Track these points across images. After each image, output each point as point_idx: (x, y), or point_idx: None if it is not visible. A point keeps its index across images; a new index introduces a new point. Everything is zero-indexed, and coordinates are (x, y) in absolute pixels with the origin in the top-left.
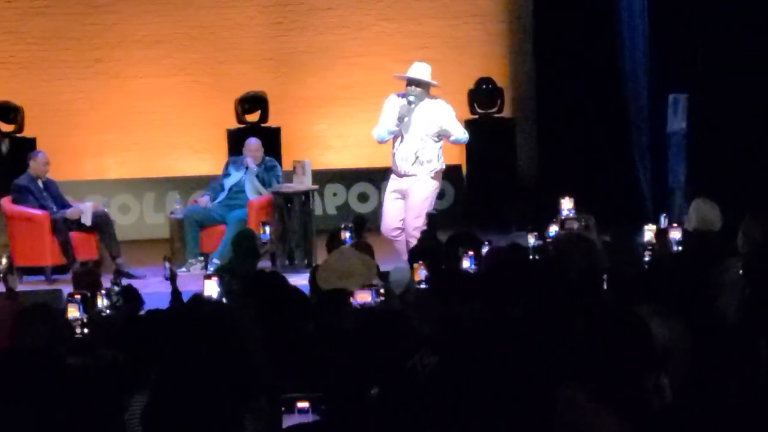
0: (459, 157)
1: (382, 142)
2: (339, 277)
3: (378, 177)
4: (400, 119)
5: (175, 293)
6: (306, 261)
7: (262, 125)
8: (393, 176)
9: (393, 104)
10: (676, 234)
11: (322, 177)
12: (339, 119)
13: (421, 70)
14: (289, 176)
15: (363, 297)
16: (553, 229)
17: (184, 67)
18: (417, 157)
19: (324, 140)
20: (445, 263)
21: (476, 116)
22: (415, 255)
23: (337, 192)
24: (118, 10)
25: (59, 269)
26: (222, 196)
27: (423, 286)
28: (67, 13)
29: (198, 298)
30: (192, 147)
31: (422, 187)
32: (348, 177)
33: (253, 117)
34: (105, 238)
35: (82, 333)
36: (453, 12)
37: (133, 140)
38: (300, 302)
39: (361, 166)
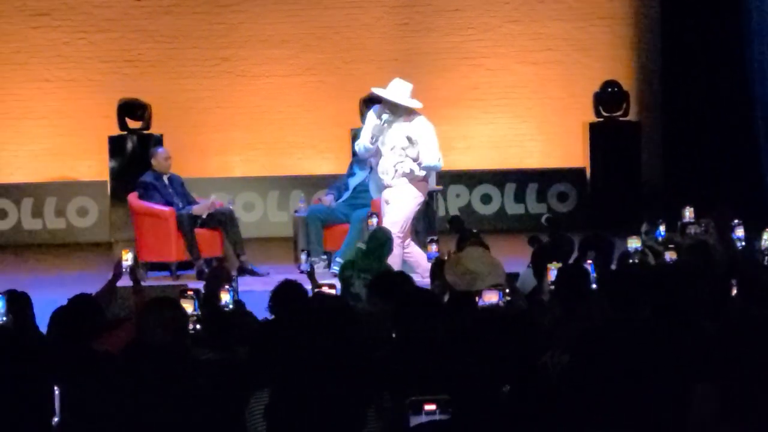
0: (583, 160)
1: (362, 157)
2: (468, 275)
3: (501, 179)
4: (373, 139)
5: (315, 287)
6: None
7: None
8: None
9: (372, 119)
10: None
11: (446, 178)
12: (463, 120)
13: (399, 90)
14: None
15: (490, 297)
16: (669, 233)
17: (310, 67)
18: (396, 171)
19: (448, 141)
20: (575, 264)
21: (601, 119)
22: (543, 256)
23: (460, 193)
24: (245, 10)
25: (184, 265)
26: (346, 195)
27: (553, 287)
28: (195, 12)
29: (320, 294)
30: (316, 147)
31: (400, 196)
32: (471, 178)
33: None
34: (230, 236)
35: (194, 329)
36: (579, 14)
37: (259, 139)
38: (429, 302)
39: (485, 167)
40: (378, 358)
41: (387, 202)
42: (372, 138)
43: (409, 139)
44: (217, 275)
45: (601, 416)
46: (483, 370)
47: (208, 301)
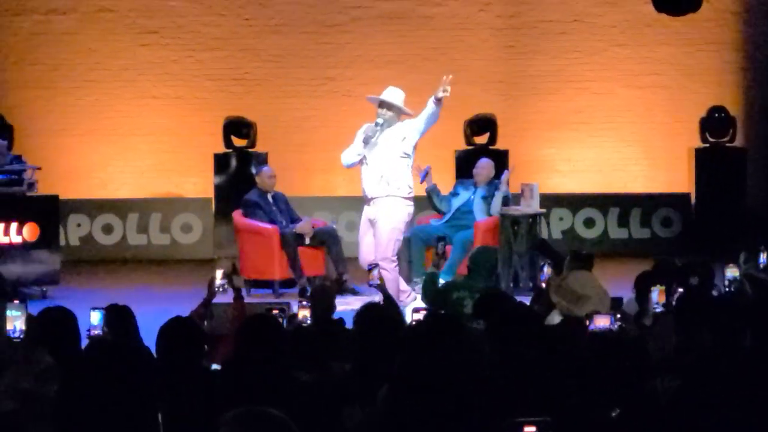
0: (688, 186)
1: (349, 166)
2: (575, 298)
3: (605, 203)
4: (366, 140)
5: (387, 299)
6: (531, 284)
7: (490, 147)
8: (364, 204)
9: (362, 132)
10: None
11: (549, 201)
12: (567, 143)
13: (394, 95)
14: (516, 199)
15: (602, 321)
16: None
17: (415, 87)
18: (382, 177)
19: (551, 164)
20: (681, 288)
21: (707, 145)
22: (647, 279)
23: (563, 216)
24: (352, 30)
25: (287, 283)
26: (448, 216)
27: (659, 310)
28: (302, 32)
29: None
30: (419, 167)
31: (388, 216)
32: (575, 202)
33: (482, 139)
34: (332, 255)
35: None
36: (687, 39)
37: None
38: (533, 324)
39: (589, 191)
40: (480, 378)
41: (372, 221)
42: (365, 140)
43: (404, 138)
44: (326, 293)
45: None
46: (591, 393)
47: (317, 318)
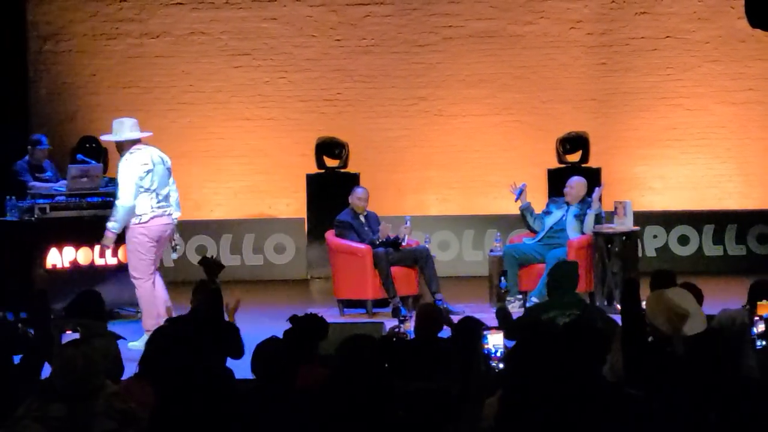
0: None
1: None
2: (678, 316)
3: (700, 220)
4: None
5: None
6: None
7: (583, 165)
8: None
9: (134, 170)
10: None
11: (642, 218)
12: (660, 161)
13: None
14: (609, 217)
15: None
16: None
17: (507, 106)
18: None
19: (644, 181)
20: None
21: None
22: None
23: (657, 234)
24: (443, 50)
25: (380, 303)
26: (541, 234)
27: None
28: (394, 52)
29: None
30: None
31: (126, 240)
32: (668, 219)
33: (574, 157)
34: (425, 274)
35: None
36: None
37: (455, 178)
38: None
39: (682, 208)
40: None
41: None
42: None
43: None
44: (429, 314)
45: None
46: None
47: (421, 338)
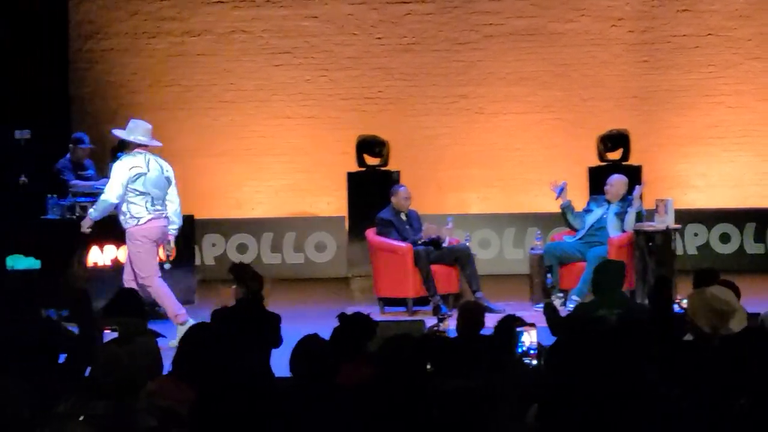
0: None
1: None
2: (720, 314)
3: (741, 218)
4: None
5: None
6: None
7: (624, 163)
8: None
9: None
10: None
11: (683, 216)
12: (702, 158)
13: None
14: (650, 215)
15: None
16: None
17: (548, 104)
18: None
19: (686, 179)
20: None
21: None
22: None
23: (698, 232)
24: (484, 48)
25: (420, 301)
26: (582, 232)
27: None
28: (434, 50)
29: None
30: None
31: (127, 243)
32: (710, 217)
33: (615, 155)
34: (466, 272)
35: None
36: None
37: (496, 176)
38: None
39: (724, 206)
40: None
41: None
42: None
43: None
44: (472, 312)
45: None
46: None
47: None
